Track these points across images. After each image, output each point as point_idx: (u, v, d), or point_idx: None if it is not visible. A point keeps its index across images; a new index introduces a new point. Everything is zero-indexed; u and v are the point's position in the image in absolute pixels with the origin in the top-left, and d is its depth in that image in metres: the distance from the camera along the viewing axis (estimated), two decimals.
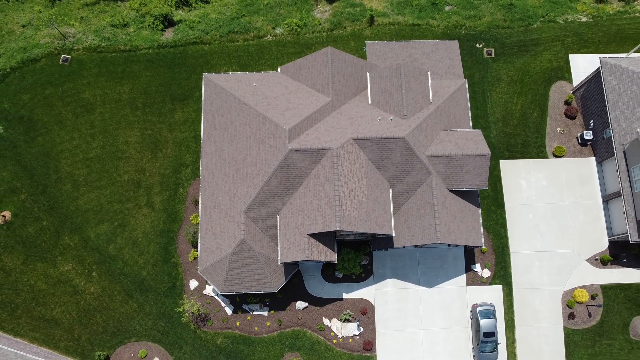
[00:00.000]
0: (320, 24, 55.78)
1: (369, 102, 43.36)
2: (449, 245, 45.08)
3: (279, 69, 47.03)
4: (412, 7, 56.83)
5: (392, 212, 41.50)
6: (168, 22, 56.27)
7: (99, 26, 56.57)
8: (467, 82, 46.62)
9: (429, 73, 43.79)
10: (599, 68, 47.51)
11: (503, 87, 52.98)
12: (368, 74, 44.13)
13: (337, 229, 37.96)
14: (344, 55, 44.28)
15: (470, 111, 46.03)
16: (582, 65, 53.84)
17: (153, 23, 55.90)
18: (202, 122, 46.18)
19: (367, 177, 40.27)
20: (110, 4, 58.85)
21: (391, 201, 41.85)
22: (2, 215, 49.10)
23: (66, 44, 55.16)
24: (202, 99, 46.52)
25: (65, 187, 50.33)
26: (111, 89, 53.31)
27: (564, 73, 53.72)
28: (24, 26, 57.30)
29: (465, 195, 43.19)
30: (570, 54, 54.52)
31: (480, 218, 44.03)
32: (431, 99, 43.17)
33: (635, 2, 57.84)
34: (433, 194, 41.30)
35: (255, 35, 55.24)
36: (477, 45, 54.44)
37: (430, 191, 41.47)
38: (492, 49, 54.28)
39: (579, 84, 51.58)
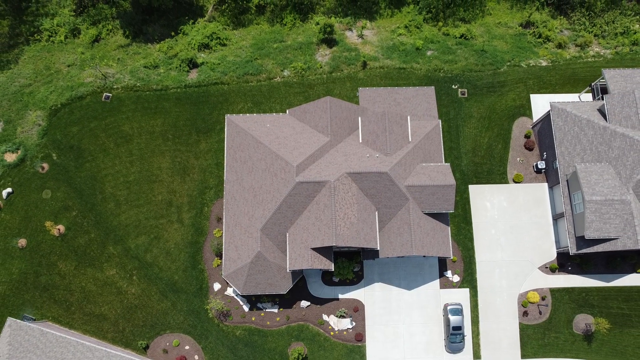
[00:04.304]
0: (321, 67, 64.73)
1: (360, 141, 52.48)
2: (424, 255, 52.82)
3: (287, 112, 55.55)
4: (399, 52, 66.13)
5: (377, 230, 50.37)
6: (192, 64, 64.98)
7: (134, 67, 65.04)
8: (440, 123, 55.37)
9: (408, 117, 52.72)
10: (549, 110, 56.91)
11: (473, 123, 61.63)
12: (360, 118, 53.20)
13: (334, 244, 47.31)
14: (340, 102, 53.45)
15: (443, 147, 55.11)
16: (541, 104, 61.85)
17: (180, 65, 64.32)
18: (225, 155, 54.38)
19: (358, 203, 49.63)
20: (141, 46, 67.34)
21: (377, 222, 50.61)
22: (58, 229, 56.71)
23: (107, 83, 63.42)
24: (225, 136, 54.94)
25: (109, 205, 58.22)
26: (146, 123, 61.13)
27: (526, 110, 61.91)
28: (69, 66, 65.13)
29: (437, 216, 51.77)
30: (532, 93, 62.48)
31: (450, 234, 52.50)
32: (410, 138, 52.30)
33: (589, 48, 67.46)
34: (410, 216, 50.19)
35: (266, 77, 63.96)
36: (453, 86, 63.49)
37: (408, 213, 50.37)
38: (466, 90, 63.10)
39: (536, 121, 60.38)
